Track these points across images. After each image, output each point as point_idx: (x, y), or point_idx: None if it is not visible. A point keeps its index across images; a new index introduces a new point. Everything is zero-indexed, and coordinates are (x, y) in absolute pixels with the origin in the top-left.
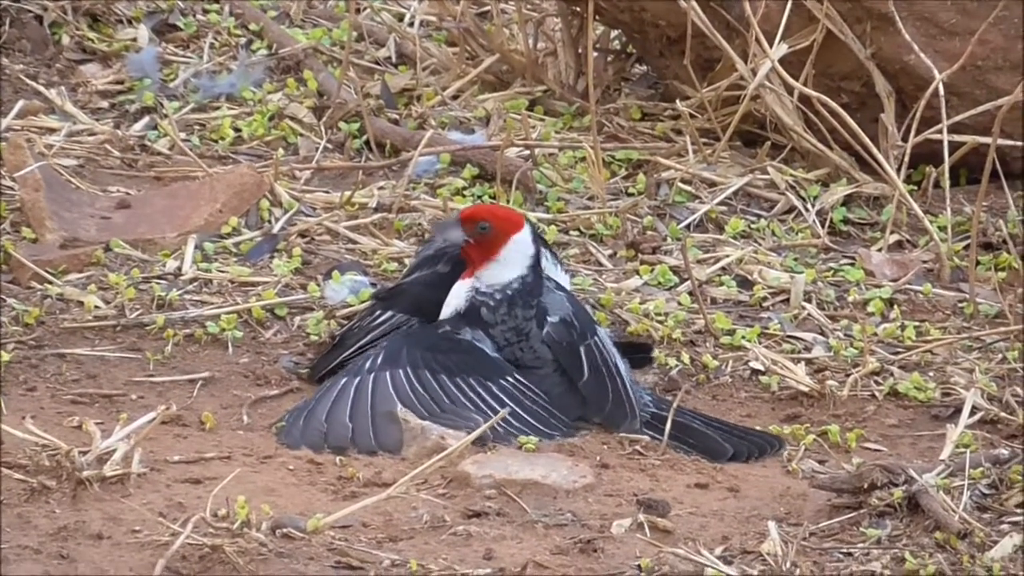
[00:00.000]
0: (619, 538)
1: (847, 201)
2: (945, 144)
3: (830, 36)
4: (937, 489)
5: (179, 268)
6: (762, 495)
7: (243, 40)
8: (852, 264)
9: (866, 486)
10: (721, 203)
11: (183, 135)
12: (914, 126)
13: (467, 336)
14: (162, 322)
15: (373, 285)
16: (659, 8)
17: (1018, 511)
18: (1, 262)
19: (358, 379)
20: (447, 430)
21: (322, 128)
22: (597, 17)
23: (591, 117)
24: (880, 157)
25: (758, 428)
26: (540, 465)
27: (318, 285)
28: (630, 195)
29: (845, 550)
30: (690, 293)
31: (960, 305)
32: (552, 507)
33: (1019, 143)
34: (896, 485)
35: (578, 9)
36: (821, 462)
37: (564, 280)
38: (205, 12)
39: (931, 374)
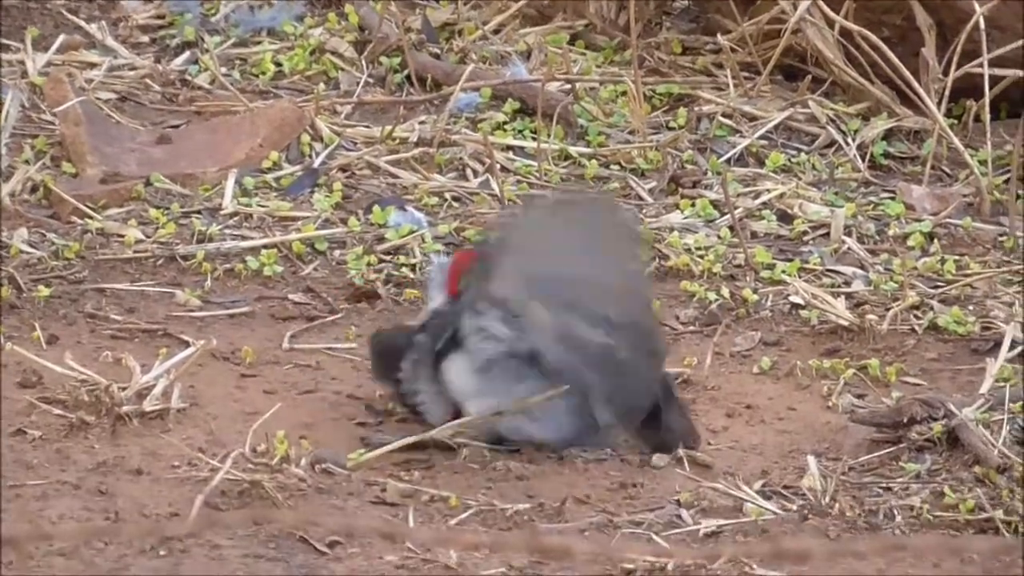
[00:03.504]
0: (659, 473)
1: (887, 135)
2: (986, 78)
3: None
4: (976, 423)
5: (219, 203)
6: (801, 430)
7: None
8: (892, 198)
9: (905, 420)
10: (762, 137)
11: (224, 70)
12: (955, 60)
13: None
14: (202, 256)
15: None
16: None
17: None
18: (41, 197)
19: None
20: None
21: (363, 63)
22: None
23: (632, 51)
24: (921, 91)
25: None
26: None
27: (358, 219)
28: (671, 129)
29: (884, 485)
30: (730, 227)
31: (1000, 239)
32: None
33: None
34: (935, 419)
35: None
36: (860, 396)
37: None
38: None
39: (971, 308)
